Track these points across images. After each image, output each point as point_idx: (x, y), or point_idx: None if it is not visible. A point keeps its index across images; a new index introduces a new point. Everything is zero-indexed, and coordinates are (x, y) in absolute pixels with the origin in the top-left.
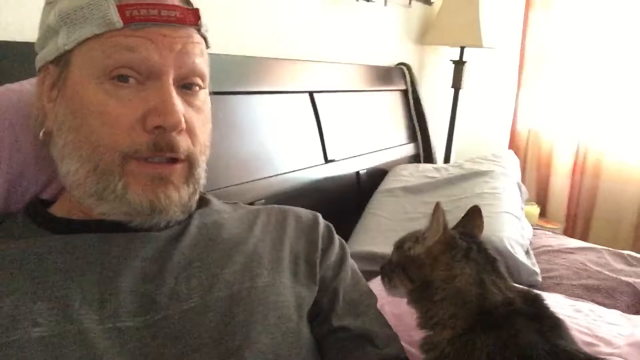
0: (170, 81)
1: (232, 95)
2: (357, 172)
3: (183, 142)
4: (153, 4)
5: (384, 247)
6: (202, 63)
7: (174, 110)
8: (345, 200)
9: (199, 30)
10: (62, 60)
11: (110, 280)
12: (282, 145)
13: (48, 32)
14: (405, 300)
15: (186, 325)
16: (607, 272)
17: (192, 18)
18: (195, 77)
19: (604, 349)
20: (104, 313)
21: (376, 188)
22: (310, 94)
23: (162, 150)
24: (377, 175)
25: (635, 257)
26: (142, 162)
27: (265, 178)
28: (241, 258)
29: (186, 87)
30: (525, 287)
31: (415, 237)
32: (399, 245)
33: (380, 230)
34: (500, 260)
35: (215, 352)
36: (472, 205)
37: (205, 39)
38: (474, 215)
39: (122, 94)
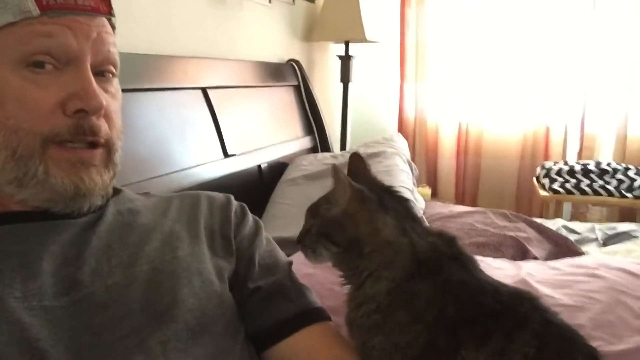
0: (88, 67)
1: (123, 93)
2: (259, 166)
3: (103, 126)
4: None
5: (292, 231)
6: (115, 52)
7: (95, 94)
8: (249, 193)
9: (109, 20)
10: None
11: (31, 264)
12: (180, 142)
13: None
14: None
15: (112, 297)
16: (492, 230)
17: (105, 7)
18: (109, 65)
19: None
20: (28, 293)
21: (278, 180)
22: (204, 90)
23: (84, 133)
24: (279, 168)
25: (515, 215)
26: (63, 148)
27: (164, 175)
28: (159, 236)
29: (100, 74)
30: (438, 229)
31: (327, 200)
32: (315, 212)
33: (287, 216)
34: (411, 201)
35: (144, 316)
36: None
37: (114, 28)
38: (357, 161)
39: (40, 80)
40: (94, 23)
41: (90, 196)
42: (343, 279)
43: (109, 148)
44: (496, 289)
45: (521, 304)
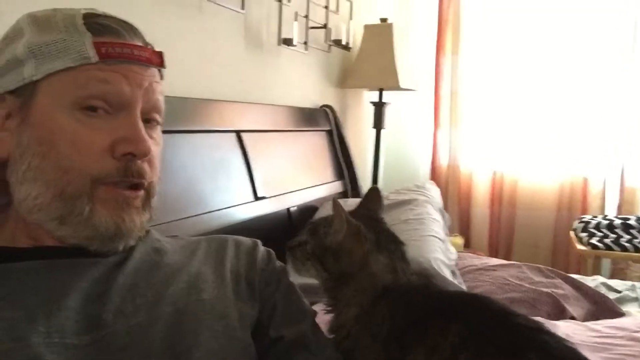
0: (139, 113)
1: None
2: (288, 210)
3: (147, 169)
4: (127, 44)
5: None
6: (162, 100)
7: (144, 139)
8: (278, 236)
9: (159, 71)
10: (27, 90)
11: (55, 300)
12: (212, 183)
13: (10, 63)
14: None
15: (134, 337)
16: (527, 285)
17: (158, 59)
18: (155, 113)
19: None
20: (51, 328)
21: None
22: (238, 133)
23: (132, 175)
24: (308, 212)
25: (552, 270)
26: (111, 187)
27: (194, 216)
28: (185, 278)
29: (147, 121)
30: (421, 270)
31: (328, 224)
32: (314, 231)
33: None
34: (405, 245)
35: (164, 357)
36: (399, 231)
37: (162, 78)
38: (373, 196)
39: (92, 123)
40: (146, 73)
41: (128, 237)
42: (327, 305)
43: (148, 191)
44: (440, 291)
45: (462, 300)
